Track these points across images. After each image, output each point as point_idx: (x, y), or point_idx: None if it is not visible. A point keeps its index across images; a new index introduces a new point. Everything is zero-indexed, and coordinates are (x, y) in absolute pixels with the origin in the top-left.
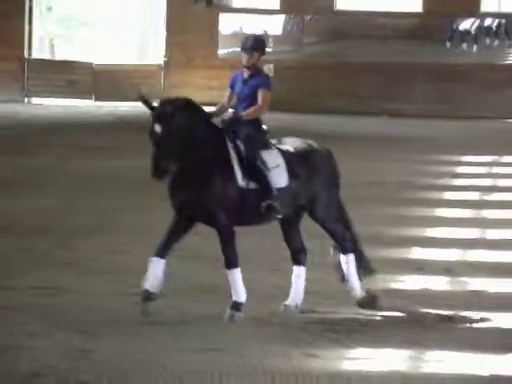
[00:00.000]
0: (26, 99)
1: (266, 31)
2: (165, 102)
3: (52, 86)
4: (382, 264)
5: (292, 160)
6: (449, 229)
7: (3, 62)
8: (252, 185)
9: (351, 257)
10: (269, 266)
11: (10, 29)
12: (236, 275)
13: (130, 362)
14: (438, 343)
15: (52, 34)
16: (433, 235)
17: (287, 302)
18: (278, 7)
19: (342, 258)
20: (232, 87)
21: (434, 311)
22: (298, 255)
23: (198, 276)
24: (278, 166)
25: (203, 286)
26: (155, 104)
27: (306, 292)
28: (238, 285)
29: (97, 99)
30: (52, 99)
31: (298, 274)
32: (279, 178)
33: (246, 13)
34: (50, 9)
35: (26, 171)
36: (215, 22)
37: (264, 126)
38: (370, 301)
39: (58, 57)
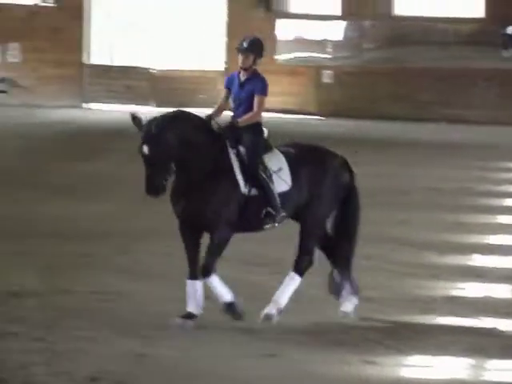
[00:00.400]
0: (84, 105)
1: (324, 37)
2: (151, 122)
3: (111, 91)
4: (442, 271)
5: (294, 164)
6: (509, 236)
7: (63, 68)
8: (254, 191)
9: (297, 278)
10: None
11: (70, 35)
12: (215, 280)
13: (187, 368)
14: (500, 351)
15: (111, 40)
16: (493, 242)
17: (266, 310)
18: (338, 13)
19: (293, 276)
20: (228, 87)
21: (495, 319)
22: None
23: (253, 282)
24: (280, 170)
25: (259, 291)
26: (144, 123)
27: (366, 299)
28: (220, 289)
29: (155, 105)
30: (110, 105)
31: (292, 278)
32: (281, 182)
33: (305, 19)
34: (109, 15)
35: (87, 177)
36: (273, 28)
37: (265, 130)
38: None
39: (117, 62)
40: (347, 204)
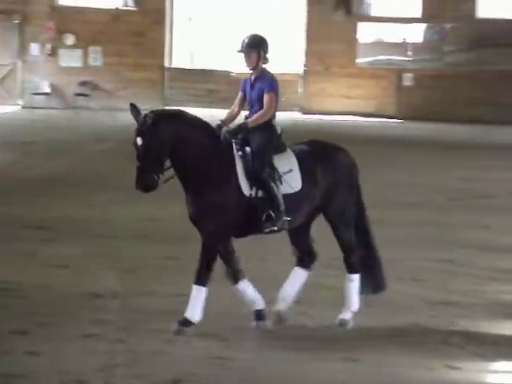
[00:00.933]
0: (166, 108)
1: (405, 39)
2: (148, 115)
3: (191, 94)
4: None
5: (307, 162)
6: None
7: (144, 71)
8: (261, 193)
9: (355, 277)
10: (411, 276)
11: (151, 38)
12: (200, 293)
13: (268, 371)
14: None
15: (192, 43)
16: None
17: (278, 308)
18: (418, 15)
19: (349, 277)
20: (243, 91)
21: None
22: (303, 257)
23: (336, 284)
24: (290, 171)
25: (340, 294)
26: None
27: (448, 303)
28: (197, 303)
29: None
30: (191, 108)
31: (299, 277)
32: (291, 183)
33: (386, 22)
34: (190, 19)
35: (173, 179)
36: (354, 31)
37: (278, 128)
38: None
39: (198, 66)
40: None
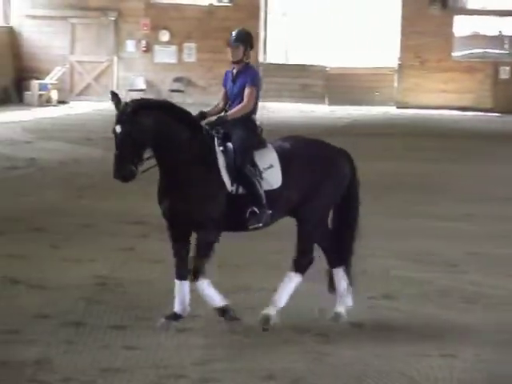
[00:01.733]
0: (259, 103)
1: (501, 32)
2: (129, 103)
3: (285, 89)
4: None
5: (287, 159)
6: None
7: None
8: (242, 190)
9: (295, 276)
10: (506, 272)
11: None
12: (204, 286)
13: (365, 367)
14: None
15: (287, 39)
16: None
17: (266, 311)
18: None
19: (291, 276)
20: (225, 86)
21: None
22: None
23: (427, 279)
24: (271, 167)
25: (433, 289)
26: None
27: None
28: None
29: (330, 103)
30: (285, 103)
31: (291, 278)
32: (272, 179)
33: (482, 15)
34: (284, 14)
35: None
36: (450, 25)
37: (258, 124)
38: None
39: (293, 61)
40: (348, 198)
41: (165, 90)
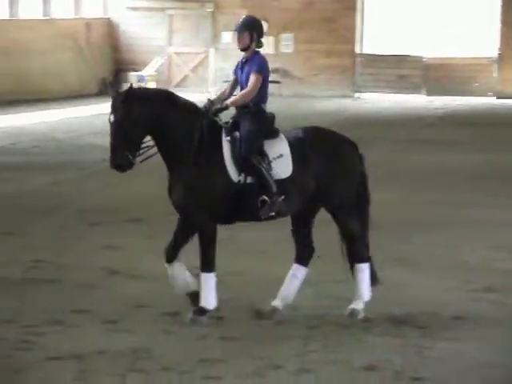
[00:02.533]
0: (356, 94)
1: None
2: (121, 92)
3: (382, 80)
4: None
5: (300, 148)
6: None
7: (335, 58)
8: (250, 179)
9: (364, 266)
10: None
11: (343, 25)
12: (209, 280)
13: (465, 361)
14: None
15: (383, 29)
16: None
17: (274, 303)
18: None
19: (361, 267)
20: (236, 73)
21: None
22: (302, 253)
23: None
24: (281, 156)
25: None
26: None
27: None
28: (209, 291)
29: (427, 94)
30: (381, 94)
31: (295, 273)
32: (282, 168)
33: None
34: (382, 4)
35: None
36: None
37: (269, 113)
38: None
39: (389, 51)
40: (358, 191)
41: None
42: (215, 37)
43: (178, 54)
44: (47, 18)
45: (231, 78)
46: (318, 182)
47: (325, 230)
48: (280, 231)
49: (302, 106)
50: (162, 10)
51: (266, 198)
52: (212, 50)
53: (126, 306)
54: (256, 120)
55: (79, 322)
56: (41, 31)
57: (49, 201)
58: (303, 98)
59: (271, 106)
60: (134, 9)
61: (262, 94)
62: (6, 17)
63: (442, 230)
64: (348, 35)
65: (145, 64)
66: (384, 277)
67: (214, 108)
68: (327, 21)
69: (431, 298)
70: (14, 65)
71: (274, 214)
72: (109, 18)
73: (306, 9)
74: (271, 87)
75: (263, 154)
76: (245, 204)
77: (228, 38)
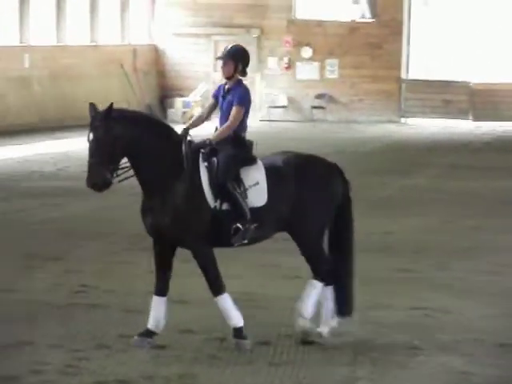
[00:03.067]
0: (402, 119)
1: None
2: (100, 111)
3: (428, 106)
4: None
5: (277, 176)
6: None
7: (380, 83)
8: (226, 206)
9: (329, 290)
10: None
11: (389, 50)
12: (225, 301)
13: None
14: None
15: (429, 54)
16: None
17: (320, 329)
18: None
19: (314, 284)
20: (215, 98)
21: None
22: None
23: None
24: (257, 184)
25: None
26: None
27: None
28: (230, 311)
29: (474, 119)
30: (427, 119)
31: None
32: (257, 196)
33: None
34: (426, 29)
35: (405, 191)
36: None
37: (247, 141)
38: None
39: (435, 77)
40: (340, 216)
41: (306, 106)
42: (261, 62)
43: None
44: (94, 44)
45: (211, 101)
46: (292, 209)
47: (365, 257)
48: None
49: (346, 131)
50: (208, 36)
51: (239, 225)
52: (257, 76)
53: (172, 331)
54: (235, 147)
55: (126, 346)
56: (88, 57)
57: (98, 225)
58: (348, 123)
59: (317, 131)
60: (180, 35)
61: (242, 123)
62: (54, 43)
63: (484, 255)
64: (393, 60)
65: (190, 90)
66: (428, 303)
67: (198, 143)
68: (372, 46)
69: (476, 325)
70: (61, 90)
71: (246, 241)
72: (155, 45)
73: (351, 34)
74: (316, 113)
75: (239, 181)
76: (219, 230)
77: (274, 63)
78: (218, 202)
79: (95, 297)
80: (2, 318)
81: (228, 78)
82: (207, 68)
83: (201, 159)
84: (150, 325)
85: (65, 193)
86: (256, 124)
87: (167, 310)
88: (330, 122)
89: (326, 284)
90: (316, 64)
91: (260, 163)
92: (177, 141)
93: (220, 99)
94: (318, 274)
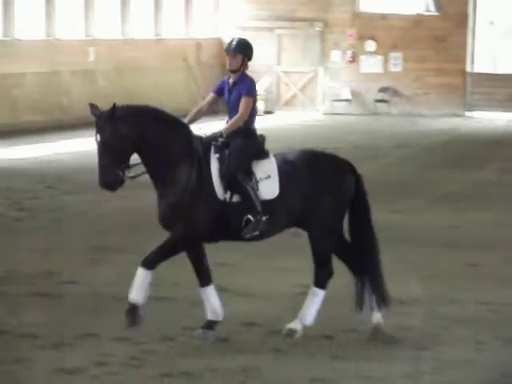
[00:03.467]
0: (467, 113)
1: None
2: (105, 111)
3: (494, 99)
4: None
5: (289, 171)
6: None
7: (445, 77)
8: (236, 198)
9: (320, 292)
10: None
11: (454, 43)
12: (142, 274)
13: None
14: None
15: (494, 47)
16: None
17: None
18: None
19: (316, 292)
20: (218, 92)
21: None
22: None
23: None
24: (268, 177)
25: None
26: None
27: None
28: (140, 285)
29: None
30: (493, 113)
31: (315, 293)
32: (268, 189)
33: None
34: (492, 22)
35: (470, 186)
36: None
37: (259, 134)
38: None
39: (501, 70)
40: (355, 209)
41: (370, 100)
42: (324, 56)
43: (286, 73)
44: (158, 37)
45: (211, 95)
46: (304, 204)
47: (430, 251)
48: (386, 252)
49: (410, 125)
50: (271, 29)
51: (250, 216)
52: (321, 69)
53: (236, 324)
54: (245, 139)
55: (190, 339)
56: (152, 51)
57: None
58: (412, 117)
59: (381, 124)
60: (244, 28)
61: (251, 115)
62: (119, 36)
63: None
64: (458, 53)
65: None
66: (494, 298)
67: (209, 136)
68: (437, 39)
69: None
70: (126, 84)
71: (257, 233)
72: (219, 38)
73: (415, 27)
74: (380, 106)
75: (250, 173)
76: (229, 222)
77: (337, 56)
78: (229, 194)
79: (160, 289)
80: (67, 310)
81: (234, 71)
82: (270, 61)
83: (212, 151)
84: (210, 316)
85: (132, 185)
86: (319, 117)
87: (224, 299)
88: (394, 115)
89: (321, 288)
90: (380, 57)
91: (272, 158)
92: (184, 132)
93: (226, 94)
94: (318, 280)
